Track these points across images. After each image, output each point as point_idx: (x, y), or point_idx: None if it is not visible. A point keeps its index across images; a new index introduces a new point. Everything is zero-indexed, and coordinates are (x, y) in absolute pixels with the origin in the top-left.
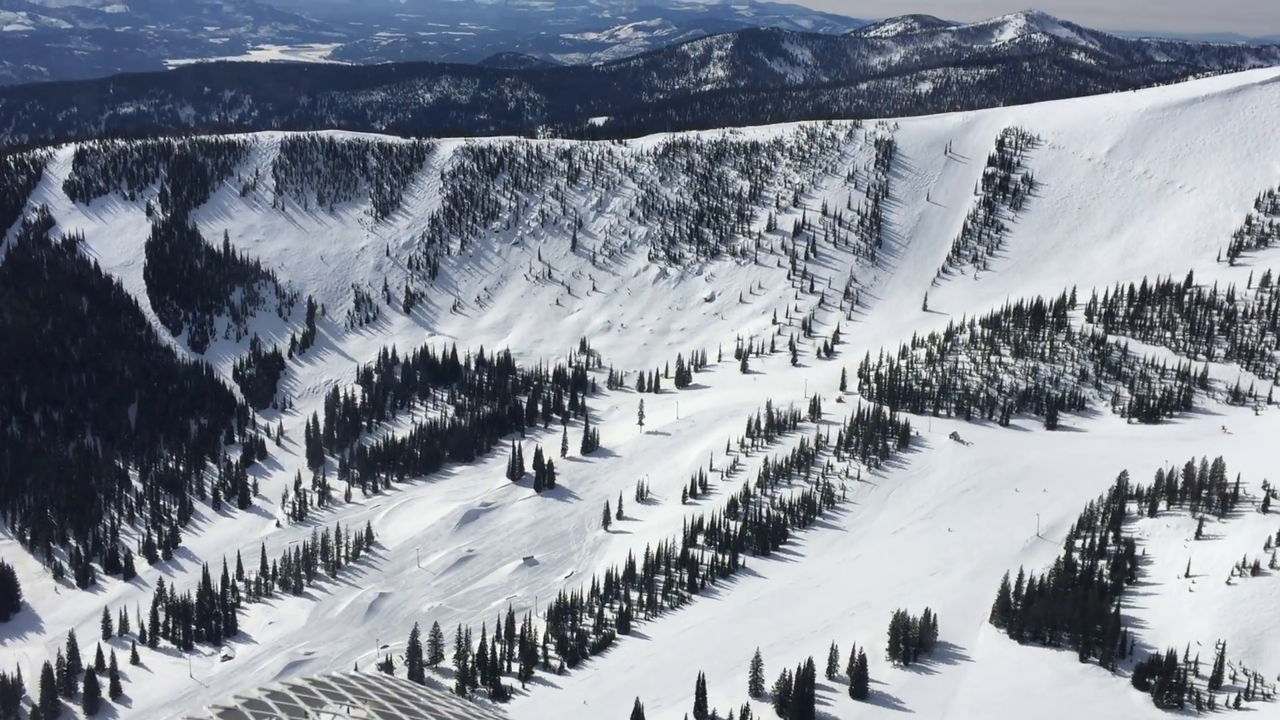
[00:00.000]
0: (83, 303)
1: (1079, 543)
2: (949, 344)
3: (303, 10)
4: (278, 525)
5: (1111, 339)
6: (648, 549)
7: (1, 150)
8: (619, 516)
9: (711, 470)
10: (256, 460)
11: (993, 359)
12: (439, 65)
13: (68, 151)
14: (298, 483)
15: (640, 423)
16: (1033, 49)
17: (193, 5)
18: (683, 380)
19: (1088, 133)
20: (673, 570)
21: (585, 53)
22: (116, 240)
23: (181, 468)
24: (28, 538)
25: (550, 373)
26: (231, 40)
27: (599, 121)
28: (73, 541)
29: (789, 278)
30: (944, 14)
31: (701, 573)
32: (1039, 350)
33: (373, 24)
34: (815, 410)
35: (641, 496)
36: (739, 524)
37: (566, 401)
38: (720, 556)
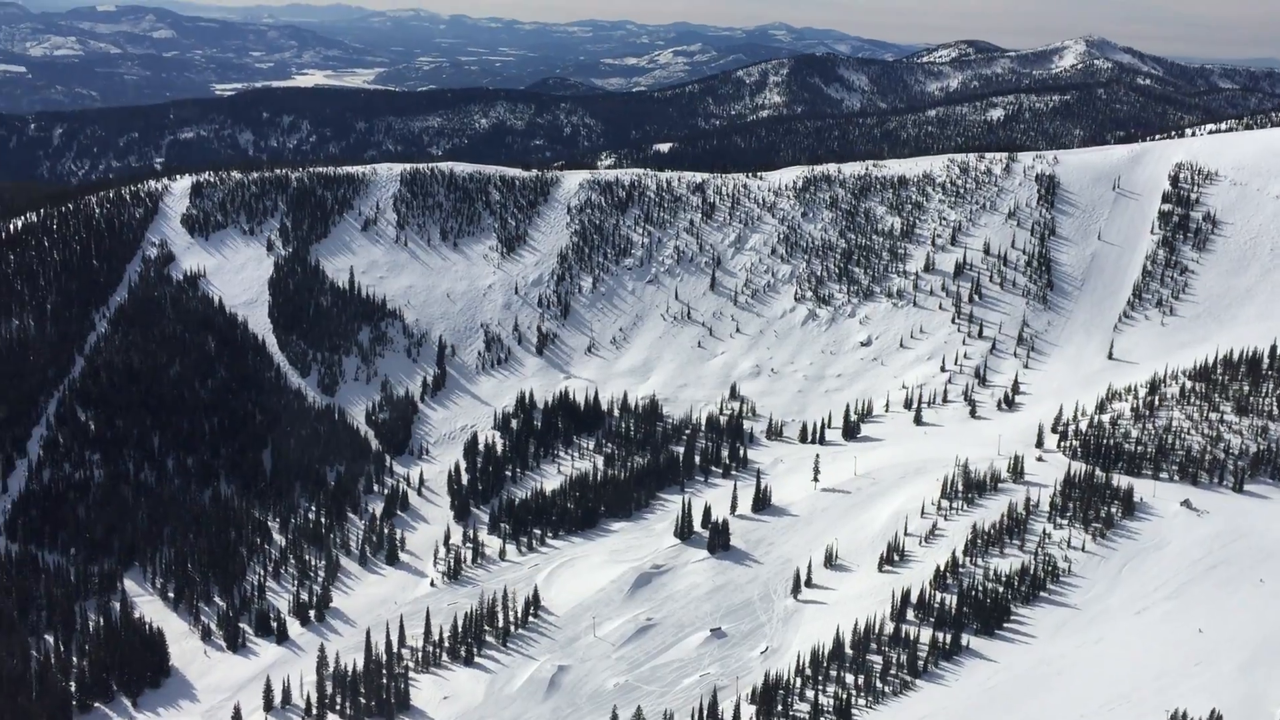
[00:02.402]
0: (209, 342)
1: None
2: (1153, 398)
3: (345, 36)
4: (432, 585)
5: None
6: (855, 625)
7: (116, 182)
8: (808, 584)
9: (907, 534)
10: (399, 512)
11: (1212, 416)
12: (494, 91)
13: (184, 184)
14: (447, 538)
15: (815, 479)
16: (1096, 75)
17: (238, 31)
18: (850, 432)
19: (1272, 169)
20: (886, 649)
21: (625, 77)
22: (238, 276)
23: (324, 520)
24: (170, 594)
25: (702, 421)
26: (276, 65)
27: (663, 148)
28: (218, 599)
29: (953, 321)
30: (999, 40)
31: (921, 654)
32: (1266, 408)
33: (414, 49)
34: (1017, 470)
35: (830, 562)
36: (952, 598)
37: (725, 453)
38: (939, 635)
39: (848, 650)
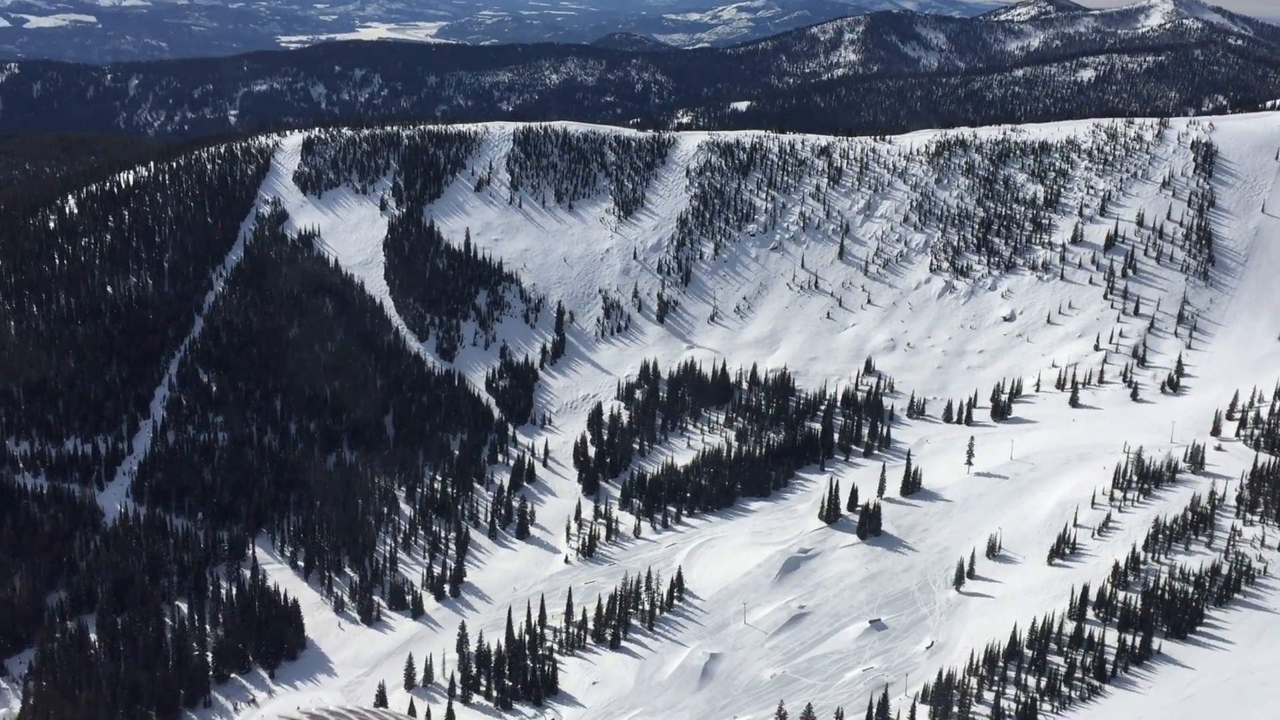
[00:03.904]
0: (326, 304)
1: None
2: None
3: None
4: (566, 561)
5: None
6: (1034, 623)
7: (227, 137)
8: (970, 575)
9: (1077, 525)
10: (526, 484)
11: None
12: (565, 46)
13: (294, 140)
14: (578, 512)
15: (969, 462)
16: (1185, 35)
17: None
18: (1000, 412)
19: None
20: (1068, 650)
21: (688, 33)
22: (352, 236)
23: (450, 490)
24: (299, 563)
25: (838, 396)
26: (340, 18)
27: (741, 106)
28: (349, 570)
29: (1105, 297)
30: None
31: (1109, 656)
32: None
33: (476, 2)
34: (1197, 460)
35: (993, 552)
36: (1136, 597)
37: (866, 431)
38: (1125, 637)
39: (1025, 650)
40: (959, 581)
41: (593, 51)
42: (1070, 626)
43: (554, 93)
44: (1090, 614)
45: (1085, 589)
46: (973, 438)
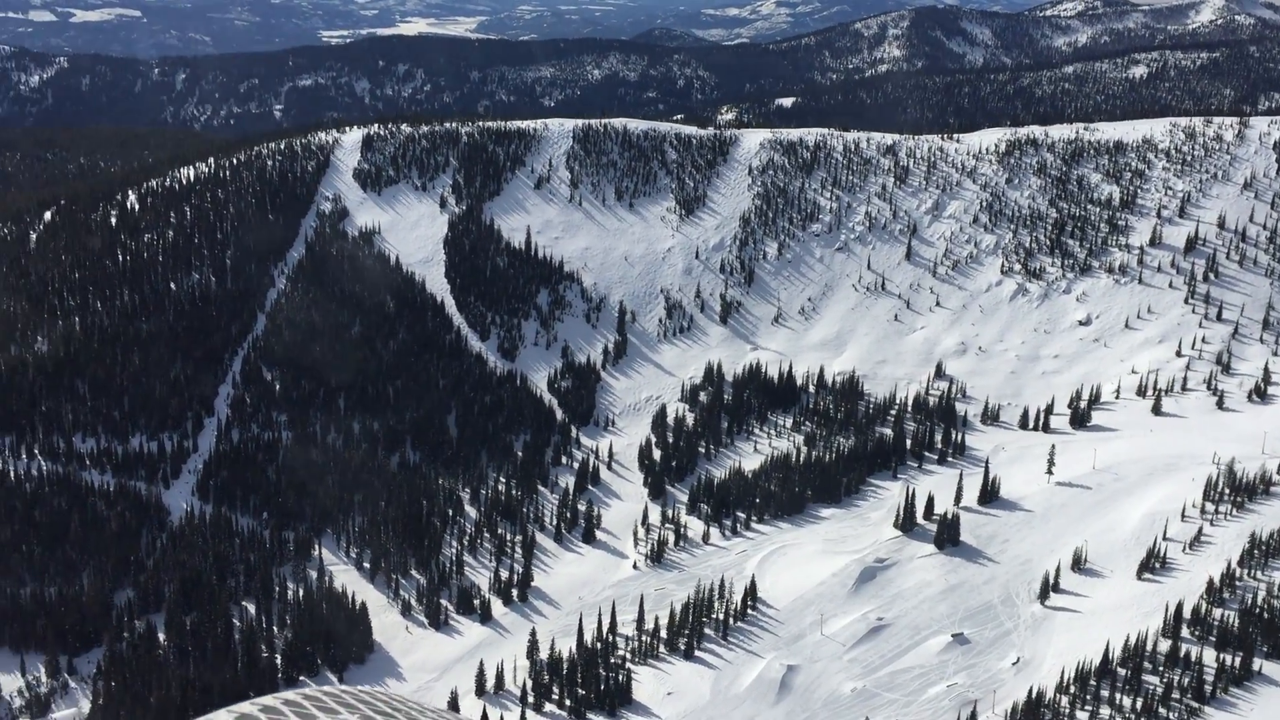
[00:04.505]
0: (388, 302)
1: None
2: None
3: None
4: (635, 567)
5: None
6: (1126, 640)
7: (284, 134)
8: (1055, 589)
9: (1166, 539)
10: (590, 487)
11: None
12: (606, 42)
13: (354, 136)
14: (645, 517)
15: (1049, 471)
16: (1237, 31)
17: None
18: (1079, 419)
19: None
20: (1164, 670)
21: (726, 28)
22: (412, 234)
23: (515, 492)
24: (365, 564)
25: (909, 400)
26: (381, 12)
27: (786, 103)
28: (415, 573)
29: (1186, 301)
30: None
31: (1208, 677)
32: None
33: None
34: None
35: (1079, 565)
36: (1233, 615)
37: (939, 438)
38: (1224, 657)
39: (1118, 668)
40: (1044, 595)
41: (634, 47)
42: (1165, 645)
43: (596, 88)
44: (1185, 632)
45: (1179, 606)
46: (1054, 446)
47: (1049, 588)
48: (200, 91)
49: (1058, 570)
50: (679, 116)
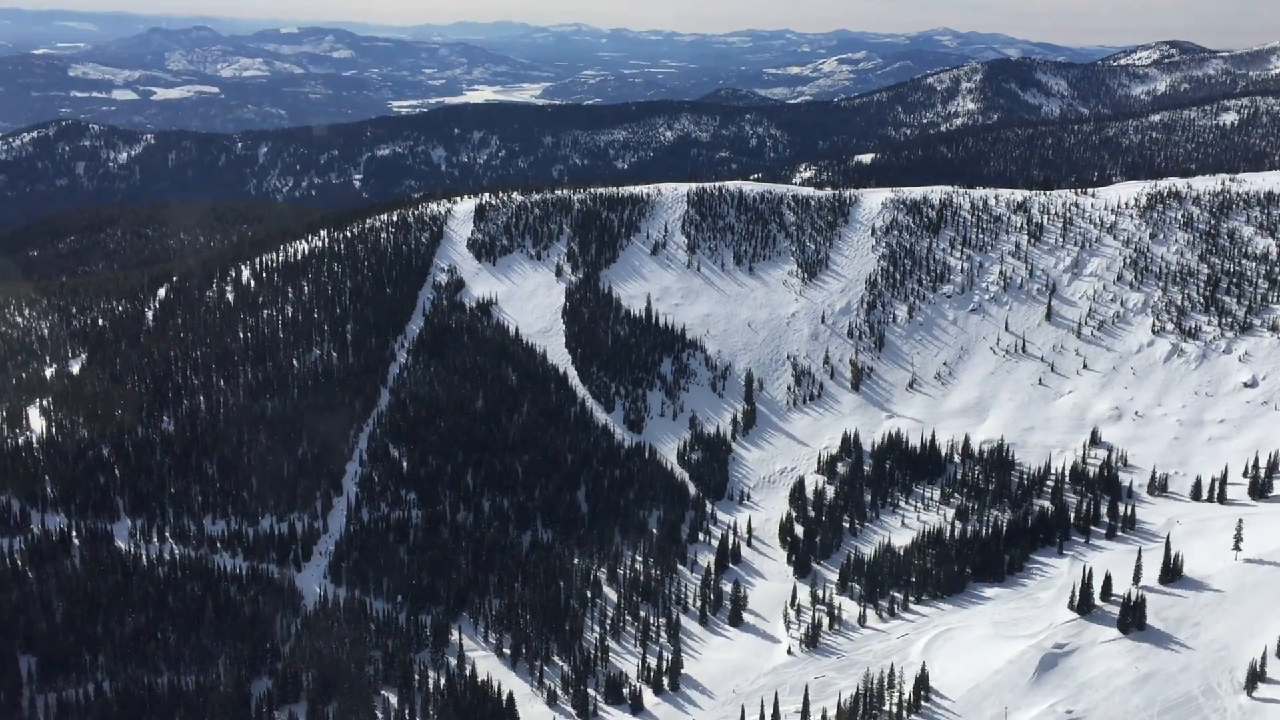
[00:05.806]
0: (509, 374)
1: None
2: None
3: (510, 51)
4: (789, 653)
5: None
6: None
7: (400, 204)
8: (1262, 678)
9: None
10: (731, 565)
11: None
12: (677, 104)
13: (466, 206)
14: (794, 597)
15: (1237, 546)
16: None
17: (411, 49)
18: (1260, 489)
19: None
20: None
21: (789, 86)
22: (529, 304)
23: (653, 571)
24: (505, 650)
25: (1065, 471)
26: (448, 82)
27: (865, 159)
28: (558, 659)
29: None
30: (1200, 40)
31: None
32: None
33: (578, 63)
34: None
35: None
36: None
37: (1104, 510)
38: None
39: None
40: (1250, 685)
41: (704, 107)
42: None
43: (669, 149)
44: None
45: None
46: (1241, 520)
47: (1255, 676)
48: (282, 163)
49: (1263, 657)
50: (756, 175)
